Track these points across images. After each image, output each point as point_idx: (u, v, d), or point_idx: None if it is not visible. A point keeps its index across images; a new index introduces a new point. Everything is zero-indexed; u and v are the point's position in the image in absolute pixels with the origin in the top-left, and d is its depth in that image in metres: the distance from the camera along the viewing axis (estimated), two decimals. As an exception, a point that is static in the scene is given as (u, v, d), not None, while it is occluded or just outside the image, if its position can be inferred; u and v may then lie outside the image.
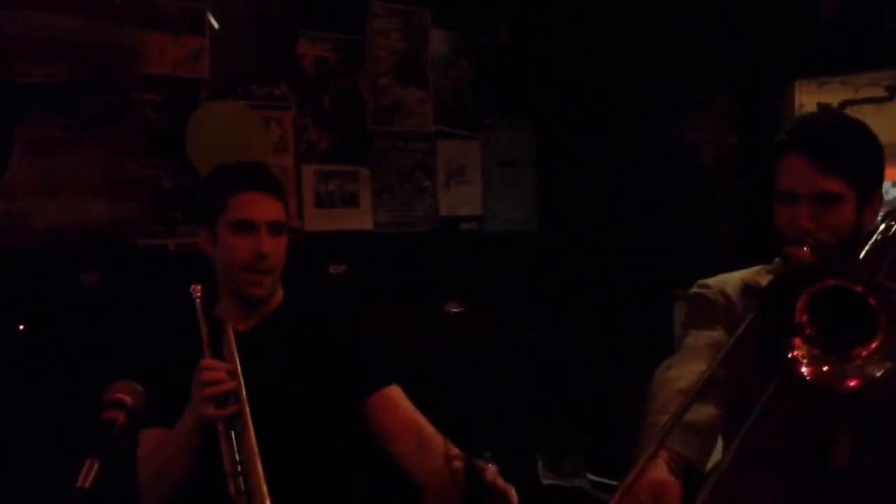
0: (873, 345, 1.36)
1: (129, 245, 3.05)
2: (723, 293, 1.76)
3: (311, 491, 1.90)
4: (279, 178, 2.17)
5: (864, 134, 1.65)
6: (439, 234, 3.82)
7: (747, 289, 1.72)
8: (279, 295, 2.06)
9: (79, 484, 1.24)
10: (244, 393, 1.76)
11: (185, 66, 3.16)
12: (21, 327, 2.67)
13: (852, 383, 1.36)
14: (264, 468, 1.71)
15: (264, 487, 1.68)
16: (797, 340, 1.40)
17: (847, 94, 3.62)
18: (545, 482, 3.76)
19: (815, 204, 1.56)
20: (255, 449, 1.71)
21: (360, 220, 3.60)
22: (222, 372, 1.76)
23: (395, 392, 1.98)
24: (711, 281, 1.81)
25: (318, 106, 3.49)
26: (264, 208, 1.94)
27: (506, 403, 3.86)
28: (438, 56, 3.81)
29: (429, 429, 1.93)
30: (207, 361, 1.79)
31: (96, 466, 1.25)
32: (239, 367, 1.79)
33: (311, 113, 3.46)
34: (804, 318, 1.40)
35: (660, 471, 1.45)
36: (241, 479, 1.69)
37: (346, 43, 3.57)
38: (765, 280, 1.66)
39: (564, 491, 3.73)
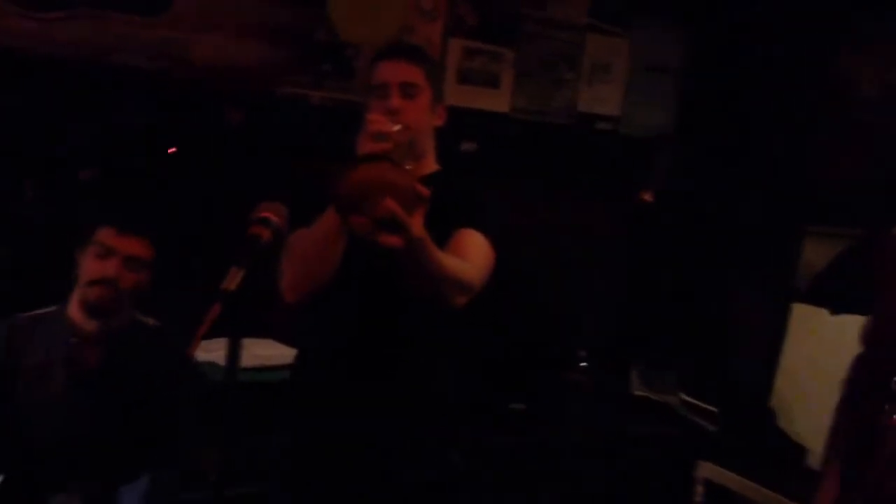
0: None
1: (273, 91, 3.14)
2: None
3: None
4: (424, 50, 2.19)
5: None
6: (573, 128, 3.78)
7: None
8: (428, 164, 2.08)
9: (224, 286, 1.33)
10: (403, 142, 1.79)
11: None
12: (172, 150, 2.81)
13: None
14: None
15: None
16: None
17: None
18: (636, 393, 3.79)
19: None
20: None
21: (498, 101, 3.59)
22: (385, 119, 1.80)
23: (472, 234, 1.96)
24: None
25: (475, -19, 3.46)
26: (395, 71, 2.00)
27: (610, 308, 3.88)
28: (604, -55, 3.70)
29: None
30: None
31: (241, 273, 1.34)
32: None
33: (466, -14, 3.44)
34: None
35: None
36: None
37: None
38: None
39: (653, 404, 3.75)
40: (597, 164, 3.81)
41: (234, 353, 1.45)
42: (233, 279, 1.33)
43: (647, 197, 1.74)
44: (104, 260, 2.15)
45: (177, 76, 2.92)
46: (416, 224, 1.57)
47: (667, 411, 3.70)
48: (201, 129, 2.98)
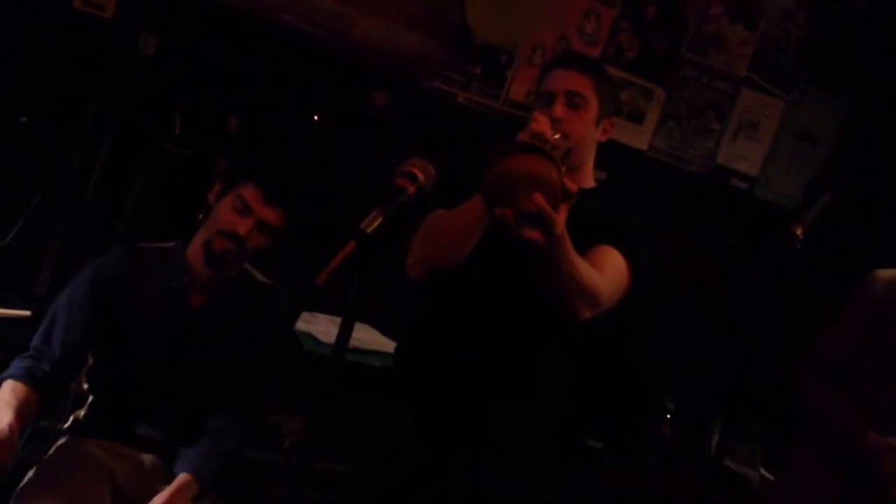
0: None
1: (423, 81, 3.18)
2: None
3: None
4: (598, 63, 2.14)
5: None
6: (707, 179, 3.71)
7: None
8: (584, 177, 2.03)
9: (362, 226, 1.34)
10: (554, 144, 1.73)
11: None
12: (316, 118, 2.87)
13: None
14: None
15: None
16: None
17: None
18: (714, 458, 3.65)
19: None
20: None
21: (639, 138, 3.56)
22: (548, 122, 1.77)
23: (611, 251, 1.90)
24: None
25: (642, 13, 3.44)
26: (563, 80, 1.96)
27: (709, 366, 3.77)
28: (779, 3, 3.62)
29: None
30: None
31: (379, 219, 1.35)
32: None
33: (631, 17, 3.43)
34: None
35: None
36: None
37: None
38: None
39: (730, 473, 3.61)
40: (723, 219, 3.72)
41: (345, 331, 1.44)
42: (372, 222, 1.34)
43: (798, 231, 1.66)
44: (241, 216, 2.15)
45: (333, 48, 2.99)
46: (560, 220, 1.54)
47: (742, 484, 3.55)
48: (347, 104, 3.04)
